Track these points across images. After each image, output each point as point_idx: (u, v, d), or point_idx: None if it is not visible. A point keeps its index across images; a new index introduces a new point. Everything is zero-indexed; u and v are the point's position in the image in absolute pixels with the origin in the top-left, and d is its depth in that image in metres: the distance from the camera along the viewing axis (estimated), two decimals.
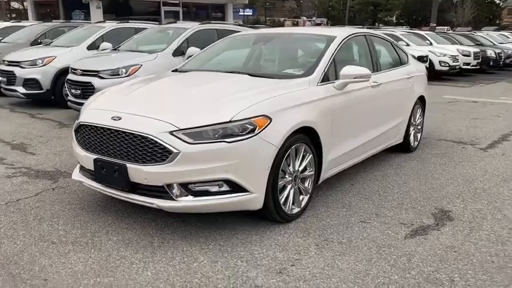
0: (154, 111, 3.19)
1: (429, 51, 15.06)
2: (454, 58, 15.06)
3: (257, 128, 3.09)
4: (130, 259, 2.88)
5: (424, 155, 5.59)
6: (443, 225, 3.51)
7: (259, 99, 3.29)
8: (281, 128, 3.21)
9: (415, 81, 5.56)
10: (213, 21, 9.47)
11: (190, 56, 5.23)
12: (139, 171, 3.03)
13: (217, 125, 3.00)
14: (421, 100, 5.81)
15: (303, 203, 3.62)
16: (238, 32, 6.41)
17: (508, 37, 23.16)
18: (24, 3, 16.83)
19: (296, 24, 42.26)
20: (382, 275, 2.75)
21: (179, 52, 7.52)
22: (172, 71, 4.61)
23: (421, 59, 13.80)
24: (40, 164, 4.94)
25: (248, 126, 3.06)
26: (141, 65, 7.02)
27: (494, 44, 19.34)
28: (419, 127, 5.92)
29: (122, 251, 2.99)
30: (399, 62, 5.46)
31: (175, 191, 3.01)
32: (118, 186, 3.18)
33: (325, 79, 3.90)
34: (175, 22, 10.27)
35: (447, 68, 15.00)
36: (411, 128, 5.63)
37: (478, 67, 16.57)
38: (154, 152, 2.99)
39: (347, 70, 3.89)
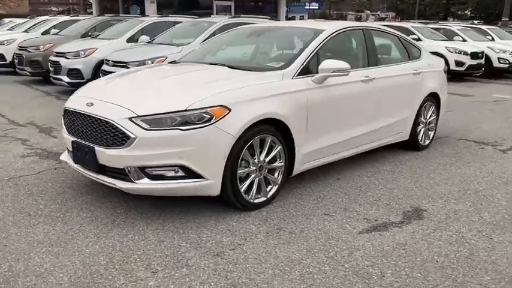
0: (121, 98, 3.42)
1: (488, 47, 14.25)
2: None
3: (214, 117, 3.22)
4: (87, 233, 3.13)
5: (433, 154, 5.42)
6: (408, 224, 3.45)
7: (221, 90, 3.42)
8: (240, 119, 3.31)
9: (426, 77, 5.39)
10: (242, 15, 9.64)
11: None
12: (104, 154, 3.27)
13: (174, 113, 3.17)
14: (434, 97, 5.60)
15: (270, 193, 3.70)
16: None
17: None
18: None
19: (359, 18, 41.31)
20: (314, 265, 2.80)
21: None
22: (169, 62, 4.83)
23: (475, 55, 13.13)
24: (55, 146, 5.38)
25: (205, 115, 3.20)
26: (166, 57, 7.34)
27: None
28: (432, 125, 5.72)
29: (85, 226, 3.25)
30: (406, 57, 5.32)
31: (134, 173, 3.22)
32: (89, 167, 3.46)
33: (305, 72, 3.93)
34: (209, 16, 10.54)
35: (507, 65, 14.11)
36: (421, 126, 5.47)
37: None
38: (115, 136, 3.22)
39: (325, 64, 3.90)
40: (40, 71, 10.30)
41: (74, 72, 8.93)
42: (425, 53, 5.69)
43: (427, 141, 5.66)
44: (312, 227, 3.34)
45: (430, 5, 54.06)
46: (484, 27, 17.29)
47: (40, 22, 14.01)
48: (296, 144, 3.80)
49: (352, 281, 2.63)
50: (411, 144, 5.47)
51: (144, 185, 3.23)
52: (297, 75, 3.87)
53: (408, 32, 13.81)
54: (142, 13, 15.84)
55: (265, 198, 3.66)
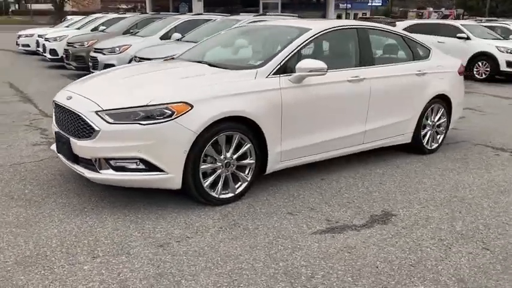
0: (94, 93, 3.63)
1: None
2: None
3: (175, 113, 3.34)
4: (53, 218, 3.36)
5: (437, 158, 5.21)
6: (369, 227, 3.39)
7: (187, 87, 3.53)
8: (202, 116, 3.40)
9: (433, 78, 5.19)
10: (268, 13, 9.66)
11: None
12: (76, 145, 3.50)
13: (135, 108, 3.33)
14: (444, 99, 5.37)
15: (239, 190, 3.76)
16: None
17: None
18: None
19: (421, 16, 39.72)
20: (249, 261, 2.84)
21: None
22: (165, 59, 5.01)
23: None
24: None
25: (166, 111, 3.33)
26: None
27: None
28: (441, 128, 5.50)
29: (55, 211, 3.49)
30: (410, 57, 5.15)
31: (99, 164, 3.41)
32: (67, 156, 3.70)
33: (283, 71, 3.94)
34: (239, 14, 10.65)
35: None
36: (427, 129, 5.28)
37: None
38: (84, 128, 3.43)
39: (302, 64, 3.89)
40: (83, 66, 10.92)
41: (109, 67, 9.38)
42: (436, 53, 5.47)
43: (435, 145, 5.44)
44: (268, 224, 3.37)
45: (502, 1, 50.90)
46: None
47: (93, 20, 14.82)
48: (268, 142, 3.83)
49: (279, 279, 2.65)
50: (415, 148, 5.30)
51: (108, 175, 3.41)
52: (273, 74, 3.89)
53: (457, 30, 13.22)
54: (190, 11, 16.27)
55: (232, 195, 3.73)
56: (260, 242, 3.09)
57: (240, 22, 8.32)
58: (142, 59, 7.90)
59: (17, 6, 74.79)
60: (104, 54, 9.50)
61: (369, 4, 66.69)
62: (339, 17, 18.77)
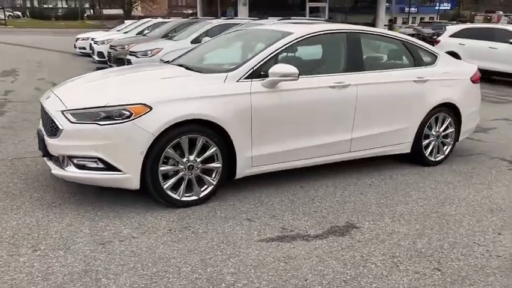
0: (67, 93, 3.79)
1: None
2: None
3: (133, 114, 3.41)
4: (19, 210, 3.54)
5: (439, 171, 4.92)
6: (322, 238, 3.27)
7: (149, 88, 3.60)
8: (161, 118, 3.45)
9: (437, 86, 4.91)
10: (293, 17, 9.56)
11: None
12: (47, 142, 3.67)
13: (96, 108, 3.44)
14: (451, 108, 5.06)
15: (204, 193, 3.77)
16: None
17: None
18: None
19: (489, 20, 37.49)
20: (178, 265, 2.84)
21: None
22: (162, 62, 5.11)
23: None
24: None
25: (124, 112, 3.41)
26: None
27: None
28: (449, 139, 5.17)
29: (26, 204, 3.68)
30: (410, 63, 4.90)
31: (64, 161, 3.56)
32: (43, 153, 3.88)
33: (257, 76, 3.90)
34: (266, 18, 10.59)
35: None
36: (430, 139, 5.00)
37: None
38: (52, 126, 3.59)
39: (274, 68, 3.84)
40: None
41: None
42: (445, 60, 5.16)
43: (440, 157, 5.14)
44: (219, 229, 3.35)
45: None
46: None
47: (141, 24, 15.44)
48: (237, 147, 3.80)
49: (198, 285, 2.63)
50: (416, 159, 5.03)
51: (70, 172, 3.54)
52: (244, 78, 3.86)
53: (510, 35, 12.41)
54: (236, 15, 16.49)
55: (196, 197, 3.74)
56: (201, 247, 3.07)
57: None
58: (166, 62, 8.10)
59: (91, 11, 79.36)
60: (137, 57, 9.86)
61: (437, 8, 64.14)
62: (390, 21, 18.11)
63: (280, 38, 4.18)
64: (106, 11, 70.67)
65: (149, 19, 16.42)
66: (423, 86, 4.81)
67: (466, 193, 4.29)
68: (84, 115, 3.45)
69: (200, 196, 3.76)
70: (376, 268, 2.88)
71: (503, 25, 14.91)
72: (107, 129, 3.39)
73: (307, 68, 4.28)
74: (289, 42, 4.14)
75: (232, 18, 11.02)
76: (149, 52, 9.76)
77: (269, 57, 3.99)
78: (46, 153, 3.77)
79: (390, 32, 4.95)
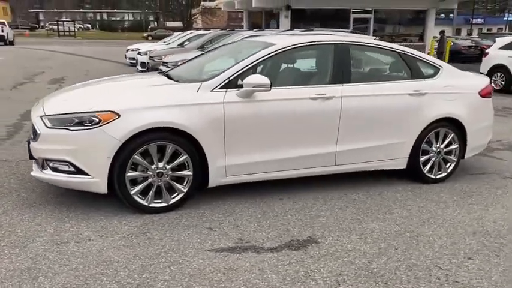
0: (50, 100, 4.01)
1: None
2: None
3: (101, 121, 3.55)
4: None
5: (438, 189, 4.68)
6: (275, 251, 3.21)
7: (121, 97, 3.73)
8: (128, 125, 3.56)
9: (437, 99, 4.69)
10: (316, 29, 9.45)
11: None
12: (31, 146, 3.89)
13: (67, 114, 3.61)
14: (454, 123, 4.80)
15: (173, 200, 3.82)
16: None
17: None
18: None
19: None
20: (118, 269, 2.90)
21: None
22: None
23: None
24: None
25: (94, 118, 3.56)
26: None
27: None
28: (452, 156, 4.90)
29: (9, 203, 3.90)
30: (407, 75, 4.71)
31: (42, 164, 3.76)
32: (30, 155, 4.11)
33: (233, 86, 3.92)
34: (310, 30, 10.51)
35: None
36: (430, 155, 4.78)
37: None
38: (34, 131, 3.81)
39: (248, 79, 3.84)
40: None
41: None
42: (449, 72, 4.91)
43: (442, 174, 4.88)
44: (175, 237, 3.38)
45: None
46: None
47: (185, 35, 15.93)
48: (208, 156, 3.84)
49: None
50: (413, 175, 4.82)
51: (46, 175, 3.73)
52: (219, 88, 3.89)
53: None
54: (278, 27, 16.60)
55: (166, 204, 3.80)
56: (149, 253, 3.12)
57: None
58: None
59: (156, 23, 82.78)
60: (168, 67, 10.16)
61: (505, 18, 60.92)
62: (442, 32, 17.35)
63: (261, 49, 4.17)
64: (169, 23, 73.55)
65: (192, 31, 16.90)
66: (420, 100, 4.60)
67: (455, 213, 4.04)
68: (59, 120, 3.63)
69: (169, 203, 3.81)
70: (315, 285, 2.79)
71: None
72: (76, 134, 3.54)
73: (288, 79, 4.24)
74: (269, 54, 4.13)
75: (262, 30, 11.10)
76: (179, 63, 10.01)
77: (246, 68, 4.00)
78: (31, 156, 3.99)
79: (386, 44, 4.78)
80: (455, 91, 4.80)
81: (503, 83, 12.85)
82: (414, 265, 3.09)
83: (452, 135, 4.83)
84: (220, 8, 47.51)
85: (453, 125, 4.82)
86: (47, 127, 3.64)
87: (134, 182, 3.71)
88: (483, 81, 5.13)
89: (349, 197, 4.36)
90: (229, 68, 4.01)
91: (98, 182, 3.59)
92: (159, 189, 3.77)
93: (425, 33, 18.05)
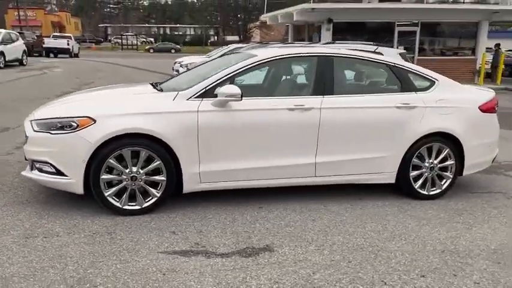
0: (45, 106, 4.33)
1: None
2: None
3: (79, 126, 3.81)
4: None
5: (428, 206, 4.53)
6: (224, 257, 3.28)
7: (101, 103, 3.99)
8: (102, 130, 3.78)
9: (429, 113, 4.56)
10: (337, 42, 9.36)
11: None
12: (23, 148, 4.23)
13: (50, 119, 3.90)
14: (447, 138, 4.64)
15: (146, 204, 3.99)
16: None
17: None
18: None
19: None
20: (60, 260, 3.09)
21: None
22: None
23: None
24: None
25: (72, 123, 3.82)
26: None
27: None
28: (447, 172, 4.73)
29: (4, 200, 4.23)
30: (397, 88, 4.62)
31: (31, 164, 4.07)
32: (25, 157, 4.45)
33: (210, 96, 4.06)
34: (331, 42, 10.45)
35: None
36: (422, 170, 4.64)
37: None
38: (25, 134, 4.14)
39: (221, 89, 3.96)
40: None
41: None
42: (445, 86, 4.76)
43: (436, 191, 4.72)
44: (136, 238, 3.53)
45: None
46: None
47: (225, 48, 16.31)
48: (182, 162, 3.98)
49: (67, 283, 2.85)
50: (404, 191, 4.70)
51: (34, 175, 4.03)
52: (195, 97, 4.04)
53: None
54: (320, 40, 16.60)
55: (139, 207, 3.98)
56: (104, 251, 3.29)
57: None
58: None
59: (215, 38, 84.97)
60: None
61: None
62: (497, 45, 16.52)
63: (242, 60, 4.28)
64: (229, 37, 75.29)
65: (234, 44, 17.27)
66: (410, 113, 4.50)
67: (432, 231, 3.90)
68: (44, 125, 3.92)
69: (143, 206, 3.98)
70: None
71: None
72: (56, 137, 3.82)
73: (267, 89, 4.31)
74: (248, 65, 4.23)
75: (292, 43, 11.19)
76: None
77: (223, 78, 4.12)
78: (25, 158, 4.32)
79: (375, 56, 4.71)
80: (450, 105, 4.65)
81: None
82: (359, 279, 3.04)
83: (447, 150, 4.66)
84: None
85: (448, 140, 4.65)
86: (34, 131, 3.94)
87: (110, 184, 3.91)
88: (485, 96, 4.92)
89: (328, 209, 4.33)
90: (206, 79, 4.15)
91: (74, 183, 3.84)
92: (136, 192, 3.94)
93: (477, 46, 17.29)
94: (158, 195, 4.00)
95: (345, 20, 16.55)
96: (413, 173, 4.62)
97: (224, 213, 4.11)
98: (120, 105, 3.99)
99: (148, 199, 4.00)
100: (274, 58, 4.35)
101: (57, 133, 3.82)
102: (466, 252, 3.50)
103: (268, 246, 3.48)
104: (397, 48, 17.07)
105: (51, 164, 3.86)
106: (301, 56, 4.48)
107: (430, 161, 4.64)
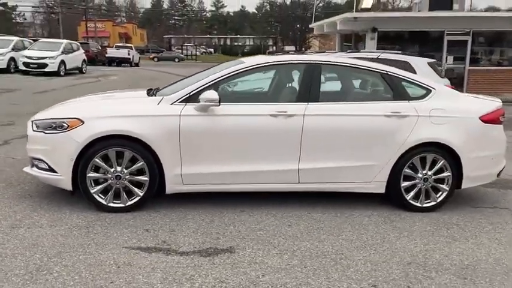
0: (50, 108, 4.68)
1: None
2: None
3: (69, 126, 4.10)
4: None
5: (418, 218, 4.39)
6: (182, 255, 3.39)
7: (90, 106, 4.27)
8: (88, 131, 4.04)
9: (422, 122, 4.43)
10: (363, 50, 9.18)
11: None
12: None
13: (46, 119, 4.22)
14: (443, 148, 4.49)
15: (130, 203, 4.19)
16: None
17: None
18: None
19: None
20: (32, 249, 3.34)
21: None
22: None
23: None
24: None
25: (64, 124, 4.12)
26: None
27: None
28: (444, 185, 4.56)
29: (9, 193, 4.61)
30: (388, 96, 4.54)
31: (31, 162, 4.41)
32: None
33: (193, 101, 4.21)
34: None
35: None
36: (415, 181, 4.51)
37: None
38: (27, 133, 4.50)
39: (203, 94, 4.11)
40: None
41: None
42: (442, 95, 4.61)
43: (430, 203, 4.57)
44: (109, 233, 3.73)
45: None
46: None
47: None
48: (164, 163, 4.16)
49: (27, 269, 3.08)
50: (396, 202, 4.60)
51: (32, 171, 4.37)
52: (179, 102, 4.21)
53: None
54: (364, 48, 16.38)
55: (123, 205, 4.19)
56: (75, 243, 3.52)
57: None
58: None
59: (274, 48, 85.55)
60: None
61: None
62: None
63: (230, 67, 4.41)
64: (287, 47, 75.67)
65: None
66: (400, 122, 4.41)
67: (409, 243, 3.80)
68: (41, 125, 4.25)
69: (126, 205, 4.19)
70: (190, 287, 2.92)
71: None
72: (49, 137, 4.13)
73: (251, 95, 4.40)
74: (234, 71, 4.34)
75: (323, 52, 11.14)
76: None
77: (207, 84, 4.26)
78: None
79: (366, 63, 4.64)
80: (446, 114, 4.49)
81: None
82: (306, 284, 3.04)
83: (442, 161, 4.49)
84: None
85: (443, 151, 4.49)
86: (33, 130, 4.28)
87: (97, 182, 4.16)
88: (488, 106, 4.70)
89: (311, 216, 4.32)
90: (191, 84, 4.31)
91: (64, 179, 4.12)
92: (121, 191, 4.16)
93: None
94: (141, 194, 4.18)
95: (390, 29, 16.19)
96: (405, 184, 4.50)
97: (204, 214, 4.22)
98: (108, 108, 4.24)
99: (132, 198, 4.20)
100: (260, 65, 4.43)
101: (50, 133, 4.12)
102: (434, 266, 3.38)
103: (231, 247, 3.55)
104: (446, 58, 16.47)
105: (44, 161, 4.16)
106: (289, 64, 4.53)
107: (424, 172, 4.50)
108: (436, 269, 3.34)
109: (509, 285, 3.15)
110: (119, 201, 4.18)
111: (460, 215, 4.51)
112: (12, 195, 4.57)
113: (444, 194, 4.57)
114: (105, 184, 4.15)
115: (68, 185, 4.13)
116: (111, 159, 4.11)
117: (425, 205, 4.56)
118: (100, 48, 34.75)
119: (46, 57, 19.17)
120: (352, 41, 18.77)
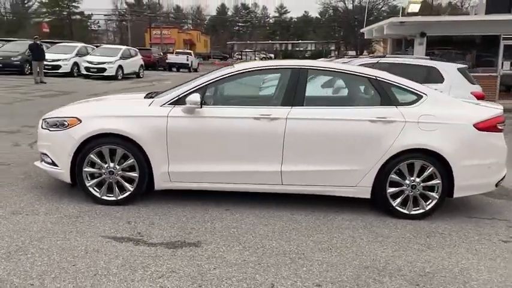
0: (62, 107, 5.14)
1: None
2: None
3: (69, 125, 4.51)
4: (15, 186, 5.00)
5: (400, 225, 4.36)
6: (150, 246, 3.63)
7: (89, 107, 4.65)
8: (84, 129, 4.42)
9: (409, 128, 4.40)
10: (388, 55, 8.95)
11: None
12: None
13: (52, 118, 4.66)
14: (432, 155, 4.42)
15: (121, 197, 4.52)
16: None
17: None
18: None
19: None
20: (13, 235, 3.72)
21: None
22: None
23: None
24: None
25: (64, 122, 4.54)
26: None
27: None
28: (433, 193, 4.48)
29: (25, 184, 5.10)
30: (375, 102, 4.53)
31: (41, 157, 4.88)
32: None
33: (181, 103, 4.46)
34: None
35: None
36: (402, 187, 4.48)
37: None
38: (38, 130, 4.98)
39: (189, 97, 4.35)
40: None
41: None
42: (433, 101, 4.52)
43: (419, 211, 4.51)
44: (94, 223, 4.05)
45: None
46: None
47: None
48: (152, 161, 4.45)
49: (3, 251, 3.47)
50: (382, 208, 4.59)
51: (41, 165, 4.82)
52: (168, 104, 4.49)
53: None
54: (413, 53, 15.96)
55: (115, 199, 4.52)
56: (59, 230, 3.86)
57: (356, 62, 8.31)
58: None
59: (336, 52, 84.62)
60: None
61: None
62: None
63: (220, 72, 4.62)
64: (351, 52, 74.64)
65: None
66: (386, 127, 4.39)
67: (379, 249, 3.79)
68: (48, 123, 4.69)
69: (118, 198, 4.52)
70: (141, 274, 3.16)
71: None
72: (52, 133, 4.55)
73: (237, 99, 4.57)
74: (222, 75, 4.55)
75: (357, 56, 11.03)
76: None
77: (195, 88, 4.49)
78: None
79: (354, 68, 4.64)
80: (436, 121, 4.42)
81: None
82: (251, 279, 3.17)
83: (432, 168, 4.42)
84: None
85: (433, 158, 4.41)
86: (42, 127, 4.74)
87: (93, 176, 4.52)
88: (485, 113, 4.54)
89: (291, 217, 4.42)
90: (180, 88, 4.57)
91: (64, 173, 4.52)
92: (118, 185, 4.50)
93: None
94: (131, 189, 4.49)
95: (440, 34, 15.62)
96: (391, 190, 4.47)
97: (188, 211, 4.45)
98: (104, 109, 4.60)
99: (124, 192, 4.52)
100: (248, 70, 4.60)
101: (54, 130, 4.55)
102: (390, 271, 3.38)
103: (198, 242, 3.75)
104: (502, 63, 15.64)
105: (47, 155, 4.59)
106: (276, 68, 4.66)
107: (412, 178, 4.44)
108: (391, 274, 3.34)
109: None
110: (111, 195, 4.52)
111: (450, 224, 4.41)
112: (26, 185, 5.05)
113: (434, 202, 4.48)
114: (99, 178, 4.50)
115: (67, 178, 4.53)
116: (105, 155, 4.45)
117: (413, 212, 4.49)
118: (161, 54, 36.29)
119: (105, 62, 20.44)
120: (402, 45, 18.29)
